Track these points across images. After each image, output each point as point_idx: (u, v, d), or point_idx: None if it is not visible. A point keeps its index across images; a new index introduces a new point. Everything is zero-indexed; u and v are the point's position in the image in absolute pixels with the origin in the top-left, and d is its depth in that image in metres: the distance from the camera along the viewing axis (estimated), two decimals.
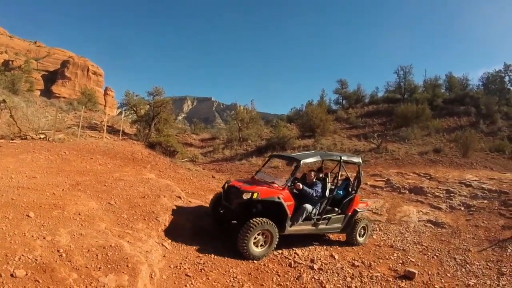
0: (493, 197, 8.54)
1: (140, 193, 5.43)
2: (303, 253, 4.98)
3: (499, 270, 5.27)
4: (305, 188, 5.00)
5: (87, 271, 2.91)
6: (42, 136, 9.61)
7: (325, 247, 5.42)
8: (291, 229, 4.78)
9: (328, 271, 4.56)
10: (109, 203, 4.80)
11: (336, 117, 22.94)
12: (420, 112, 19.50)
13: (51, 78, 72.84)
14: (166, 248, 4.24)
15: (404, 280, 4.59)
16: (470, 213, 7.90)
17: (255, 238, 4.37)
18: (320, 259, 4.87)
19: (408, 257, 5.53)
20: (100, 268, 3.01)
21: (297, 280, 4.15)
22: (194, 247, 4.47)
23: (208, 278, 3.79)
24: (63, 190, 4.93)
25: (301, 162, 5.04)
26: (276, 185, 4.84)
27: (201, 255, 4.31)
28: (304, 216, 4.90)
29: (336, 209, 5.42)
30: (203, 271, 3.93)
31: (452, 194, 8.99)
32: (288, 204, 4.65)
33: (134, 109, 16.64)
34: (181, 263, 3.98)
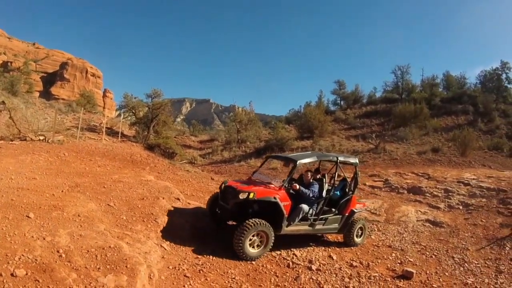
0: (492, 195, 8.57)
1: (139, 195, 5.45)
2: (301, 254, 5.00)
3: (497, 268, 5.30)
4: (302, 188, 5.03)
5: (86, 271, 2.94)
6: (41, 138, 9.63)
7: (323, 247, 5.44)
8: (287, 229, 4.80)
9: (326, 271, 4.58)
10: (108, 204, 4.82)
11: (334, 118, 23.02)
12: (418, 111, 19.58)
13: (50, 79, 72.82)
14: (165, 249, 4.26)
15: (402, 280, 4.61)
16: (468, 212, 7.93)
17: (250, 239, 4.39)
18: (318, 260, 4.89)
19: (407, 257, 5.55)
20: (99, 268, 3.03)
21: (295, 281, 4.17)
22: (193, 248, 4.49)
23: (206, 279, 3.82)
24: (62, 191, 4.95)
25: (298, 163, 5.07)
26: (273, 186, 4.87)
27: (199, 256, 4.33)
28: (300, 216, 4.92)
29: (333, 209, 5.44)
30: (201, 272, 3.95)
31: (450, 193, 9.02)
32: (285, 204, 4.67)
33: (133, 111, 16.69)
34: (179, 264, 4.01)
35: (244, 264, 4.34)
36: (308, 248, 5.30)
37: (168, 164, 10.70)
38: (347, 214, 5.51)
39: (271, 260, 4.63)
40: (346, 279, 4.45)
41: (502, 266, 5.33)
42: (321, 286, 4.16)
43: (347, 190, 5.73)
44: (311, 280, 4.26)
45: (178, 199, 5.85)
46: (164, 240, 4.45)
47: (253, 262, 4.43)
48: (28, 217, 3.64)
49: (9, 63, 61.73)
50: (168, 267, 3.86)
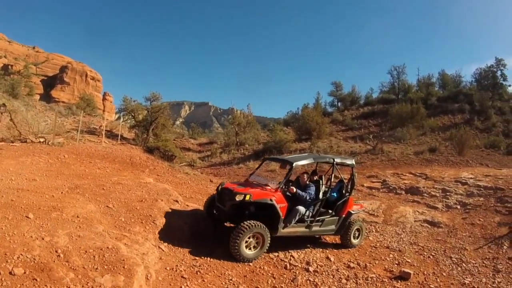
0: (489, 194, 8.57)
1: (138, 197, 5.48)
2: (299, 256, 5.01)
3: (495, 267, 5.31)
4: (299, 191, 5.06)
5: (84, 271, 2.97)
6: (41, 140, 9.68)
7: (321, 249, 5.45)
8: (284, 230, 4.82)
9: (324, 273, 4.59)
10: (107, 206, 4.85)
11: (332, 120, 23.09)
12: (414, 111, 19.62)
13: (50, 83, 73.11)
14: (163, 250, 4.29)
15: (399, 281, 4.62)
16: (466, 211, 7.93)
17: (246, 241, 4.42)
18: (315, 261, 4.91)
19: (404, 257, 5.55)
20: (96, 268, 3.06)
21: (292, 282, 4.18)
22: (190, 250, 4.52)
23: (203, 280, 3.84)
24: (62, 192, 4.98)
25: (294, 165, 5.11)
26: (269, 187, 4.90)
27: (197, 257, 4.35)
28: (297, 218, 4.94)
29: (330, 211, 5.47)
30: (198, 273, 3.97)
31: (448, 193, 9.03)
32: (281, 206, 4.70)
33: (132, 114, 16.77)
34: (177, 265, 4.03)
35: (242, 265, 4.36)
36: (306, 249, 5.31)
37: (168, 167, 10.73)
38: (344, 216, 5.53)
39: (268, 262, 4.65)
40: (343, 280, 4.46)
41: (500, 265, 5.33)
42: (318, 287, 4.18)
43: (344, 191, 5.76)
44: (308, 281, 4.27)
45: (177, 201, 5.88)
46: (162, 242, 4.48)
47: (251, 264, 4.44)
48: (28, 217, 3.67)
49: (9, 66, 61.99)
50: (165, 268, 3.89)
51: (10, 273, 2.65)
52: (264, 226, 4.49)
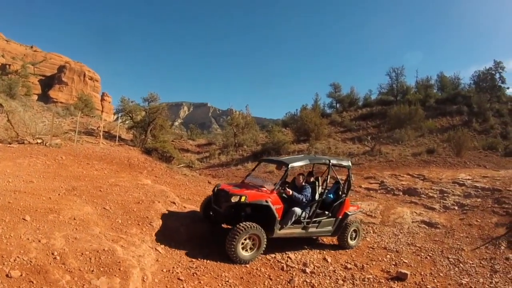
0: (487, 195, 8.61)
1: (135, 199, 5.48)
2: (296, 257, 5.02)
3: (492, 267, 5.33)
4: (295, 194, 5.08)
5: (80, 273, 2.97)
6: (39, 141, 9.66)
7: (318, 250, 5.47)
8: (280, 232, 4.83)
9: (320, 274, 4.60)
10: (104, 208, 4.85)
11: (330, 121, 23.11)
12: (413, 113, 19.67)
13: (48, 83, 72.88)
14: (159, 252, 4.29)
15: (396, 281, 4.63)
16: (463, 212, 7.97)
17: (242, 243, 4.42)
18: (312, 263, 4.91)
19: (401, 258, 5.57)
20: (93, 271, 3.07)
21: (288, 284, 4.18)
22: (187, 252, 4.51)
23: (200, 282, 3.83)
24: (59, 194, 4.98)
25: (290, 166, 5.11)
26: (265, 189, 4.91)
27: (193, 259, 4.35)
28: (293, 219, 4.96)
29: (327, 212, 5.49)
30: (195, 275, 3.97)
31: (445, 194, 9.08)
32: (277, 207, 4.71)
33: (130, 115, 16.74)
34: (173, 267, 4.03)
35: (238, 267, 4.36)
36: (303, 251, 5.32)
37: (166, 168, 10.72)
38: (340, 217, 5.55)
39: (265, 263, 4.65)
40: (340, 281, 4.46)
41: (497, 266, 5.36)
42: None
43: (340, 193, 5.78)
44: (305, 282, 4.27)
45: (174, 203, 5.88)
46: (158, 244, 4.48)
47: (247, 265, 4.44)
48: (24, 219, 3.68)
49: (7, 66, 61.76)
50: (162, 270, 3.89)
51: (7, 275, 2.66)
52: (260, 228, 4.49)
